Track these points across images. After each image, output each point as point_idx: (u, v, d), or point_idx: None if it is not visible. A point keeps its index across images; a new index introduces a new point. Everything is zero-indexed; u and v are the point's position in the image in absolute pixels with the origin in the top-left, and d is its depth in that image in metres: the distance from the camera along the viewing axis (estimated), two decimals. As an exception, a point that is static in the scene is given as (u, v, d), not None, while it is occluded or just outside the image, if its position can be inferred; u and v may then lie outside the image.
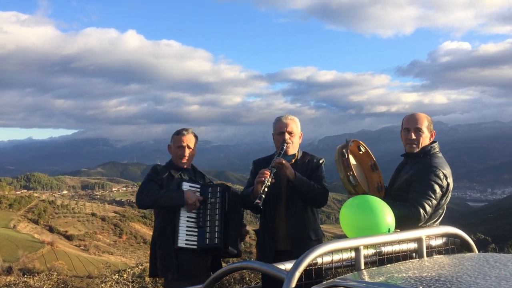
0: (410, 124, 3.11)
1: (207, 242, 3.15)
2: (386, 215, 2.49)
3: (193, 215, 3.21)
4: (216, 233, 3.16)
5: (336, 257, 2.16)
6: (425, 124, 3.08)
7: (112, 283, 6.87)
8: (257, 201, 2.90)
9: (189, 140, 3.39)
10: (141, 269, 8.12)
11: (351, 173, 2.91)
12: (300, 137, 3.43)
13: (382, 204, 2.54)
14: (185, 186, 3.23)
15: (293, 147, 3.34)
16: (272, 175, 3.03)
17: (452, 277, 1.79)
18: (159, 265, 3.22)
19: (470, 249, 2.54)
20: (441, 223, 2.97)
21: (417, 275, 1.88)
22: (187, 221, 3.18)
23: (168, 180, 3.29)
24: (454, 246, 2.58)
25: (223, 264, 3.46)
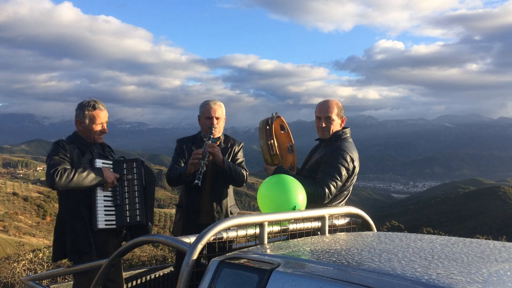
0: (321, 113, 3.26)
1: (128, 220, 3.07)
2: (298, 194, 2.57)
3: (109, 193, 3.09)
4: (137, 210, 3.10)
5: (241, 232, 2.20)
6: (335, 112, 3.23)
7: (25, 262, 6.54)
8: (196, 181, 3.13)
9: (106, 116, 3.25)
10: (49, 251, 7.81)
11: (272, 141, 3.00)
12: (224, 120, 3.65)
13: (296, 183, 2.62)
14: (98, 163, 3.11)
15: (219, 131, 3.59)
16: (206, 157, 3.29)
17: (342, 250, 1.89)
18: (70, 248, 3.00)
19: (370, 229, 2.71)
20: (347, 204, 3.12)
21: (311, 248, 1.97)
22: (104, 200, 3.06)
23: (79, 156, 3.09)
24: (355, 225, 2.73)
25: None
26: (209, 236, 1.97)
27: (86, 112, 3.16)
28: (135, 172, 3.19)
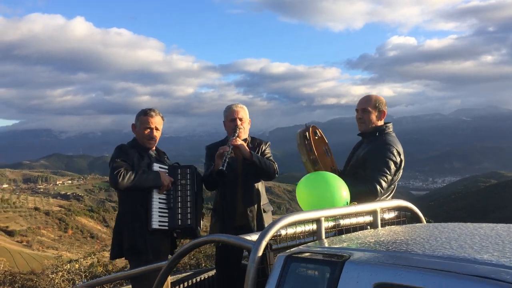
0: (359, 105, 3.37)
1: (180, 223, 3.23)
2: (342, 189, 2.61)
3: (164, 196, 3.25)
4: (189, 214, 3.26)
5: (298, 229, 2.23)
6: (371, 104, 3.30)
7: (63, 273, 6.66)
8: (221, 168, 3.19)
9: (158, 122, 3.41)
10: (92, 259, 7.91)
11: (313, 157, 3.03)
12: (249, 123, 3.75)
13: (337, 179, 2.65)
14: (156, 167, 3.29)
15: (244, 132, 3.67)
16: (231, 150, 3.36)
17: (407, 240, 1.92)
18: (127, 247, 3.15)
19: (419, 221, 2.71)
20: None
21: (375, 239, 1.99)
22: (159, 202, 3.22)
23: (138, 160, 3.28)
24: (405, 218, 2.74)
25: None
26: (272, 233, 2.01)
27: (139, 117, 3.40)
28: (188, 178, 3.36)
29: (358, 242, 2.00)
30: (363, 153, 3.22)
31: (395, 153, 3.15)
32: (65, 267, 6.88)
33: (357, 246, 1.90)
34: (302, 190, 2.65)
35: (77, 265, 7.04)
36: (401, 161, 3.18)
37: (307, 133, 3.16)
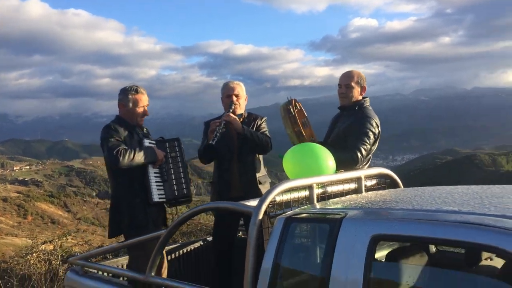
0: (342, 80, 3.57)
1: (176, 194, 3.36)
2: (328, 159, 2.77)
3: (157, 170, 3.36)
4: (183, 184, 3.40)
5: (292, 195, 2.38)
6: (354, 80, 3.51)
7: (39, 254, 6.60)
8: (210, 142, 3.38)
9: (146, 100, 3.50)
10: (64, 241, 7.81)
11: (297, 129, 3.19)
12: (245, 99, 3.85)
13: (323, 149, 2.82)
14: (146, 143, 3.39)
15: (240, 108, 3.76)
16: (223, 125, 3.47)
17: (395, 199, 2.11)
18: (128, 223, 3.24)
19: (398, 187, 2.92)
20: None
21: (365, 200, 2.18)
22: (155, 176, 3.32)
23: (129, 138, 3.34)
24: (385, 185, 2.94)
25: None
26: (270, 198, 2.16)
27: (130, 96, 3.42)
28: (177, 150, 3.49)
29: (350, 204, 2.17)
30: (344, 126, 3.43)
31: (374, 125, 3.42)
32: (40, 248, 6.81)
33: (351, 206, 2.08)
34: (290, 161, 2.80)
35: (51, 246, 6.98)
36: (379, 132, 3.43)
37: (290, 106, 3.31)
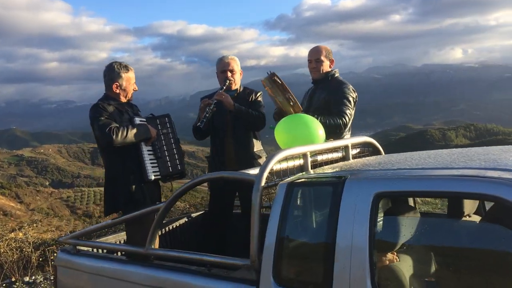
0: (311, 56, 3.79)
1: (171, 170, 3.40)
2: (318, 128, 2.90)
3: (150, 147, 3.38)
4: (177, 160, 3.45)
5: (287, 164, 2.48)
6: (323, 54, 3.75)
7: (9, 241, 6.41)
8: (198, 124, 3.45)
9: (134, 77, 3.50)
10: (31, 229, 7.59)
11: (288, 95, 3.28)
12: (240, 74, 3.87)
13: (313, 119, 2.94)
14: (137, 120, 3.37)
15: (235, 84, 3.79)
16: (214, 104, 3.52)
17: (389, 161, 2.25)
18: (124, 200, 3.24)
19: (380, 154, 3.08)
20: None
21: (360, 164, 2.31)
22: (148, 154, 3.34)
23: (119, 116, 3.32)
24: (368, 153, 3.10)
25: None
26: (271, 165, 2.25)
27: (123, 75, 3.40)
28: (168, 126, 3.50)
29: (347, 168, 2.30)
30: (323, 96, 3.61)
31: (351, 89, 3.67)
32: (9, 236, 6.64)
33: (349, 170, 2.21)
34: (282, 132, 2.89)
35: (20, 234, 6.82)
36: (356, 96, 3.64)
37: (275, 77, 3.39)
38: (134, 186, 3.26)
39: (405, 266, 1.96)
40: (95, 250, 3.16)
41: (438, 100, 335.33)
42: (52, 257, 6.38)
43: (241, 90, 3.84)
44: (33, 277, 6.02)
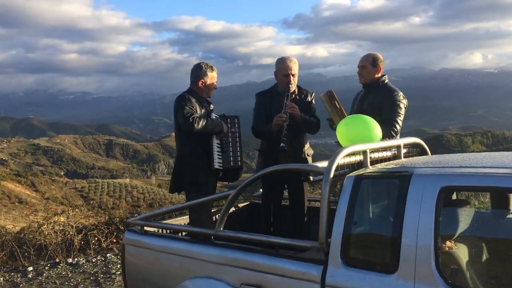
0: (360, 62, 4.05)
1: (232, 164, 3.81)
2: (377, 128, 3.14)
3: (219, 141, 3.79)
4: (238, 157, 3.86)
5: (348, 160, 2.71)
6: (368, 61, 3.99)
7: (53, 225, 6.77)
8: (282, 145, 3.63)
9: (216, 77, 3.93)
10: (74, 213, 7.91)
11: (343, 117, 3.57)
12: (297, 74, 4.01)
13: (372, 120, 3.18)
14: (213, 116, 3.82)
15: (294, 85, 3.96)
16: (287, 118, 3.74)
17: (447, 160, 2.48)
18: (189, 181, 3.67)
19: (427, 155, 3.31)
20: None
21: (421, 162, 2.54)
22: (217, 146, 3.75)
23: (200, 109, 3.75)
24: (416, 153, 3.34)
25: None
26: (339, 159, 2.50)
27: (209, 73, 3.84)
28: (236, 126, 3.91)
29: (408, 164, 2.54)
30: (376, 100, 3.82)
31: (402, 97, 3.87)
32: (53, 220, 7.01)
33: (410, 166, 2.45)
34: (344, 130, 3.15)
35: (62, 218, 7.18)
36: (406, 102, 3.85)
37: (335, 101, 3.70)
38: (200, 171, 3.67)
39: (462, 253, 2.20)
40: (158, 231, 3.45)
41: (455, 105, 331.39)
42: (93, 241, 6.73)
43: (296, 91, 4.02)
44: (76, 259, 6.38)
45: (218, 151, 3.74)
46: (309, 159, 4.00)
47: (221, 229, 2.89)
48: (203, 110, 3.78)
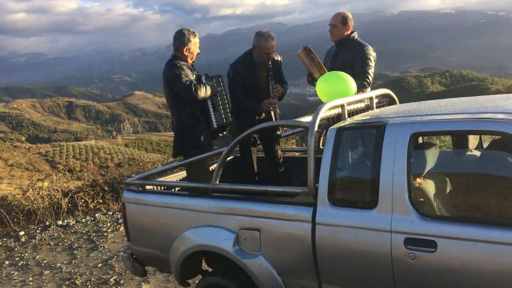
0: (330, 21, 4.36)
1: (224, 121, 4.06)
2: (352, 82, 3.45)
3: (210, 102, 4.02)
4: (228, 113, 4.11)
5: (327, 114, 3.01)
6: (338, 21, 4.28)
7: (38, 190, 6.90)
8: (278, 132, 3.98)
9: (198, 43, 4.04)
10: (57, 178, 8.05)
11: (323, 71, 3.82)
12: None
13: (347, 75, 3.48)
14: (203, 79, 3.98)
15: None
16: (277, 103, 4.04)
17: (417, 108, 2.83)
18: (192, 143, 3.88)
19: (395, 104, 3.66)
20: None
21: (392, 112, 2.88)
22: (211, 107, 3.99)
23: (191, 74, 3.91)
24: (385, 103, 3.69)
25: None
26: (321, 114, 2.81)
27: (192, 39, 3.97)
28: (221, 84, 4.13)
29: (382, 115, 2.88)
30: (348, 56, 4.13)
31: (372, 51, 4.22)
32: (37, 185, 7.14)
33: (385, 116, 2.79)
34: (323, 85, 3.45)
35: (46, 183, 7.32)
36: (375, 55, 4.17)
37: (312, 54, 3.91)
38: (201, 133, 3.91)
39: (430, 187, 2.60)
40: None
41: (415, 47, 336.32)
42: (80, 203, 6.96)
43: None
44: (66, 221, 6.62)
45: (212, 111, 3.98)
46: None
47: (217, 182, 3.19)
48: (193, 76, 3.94)
